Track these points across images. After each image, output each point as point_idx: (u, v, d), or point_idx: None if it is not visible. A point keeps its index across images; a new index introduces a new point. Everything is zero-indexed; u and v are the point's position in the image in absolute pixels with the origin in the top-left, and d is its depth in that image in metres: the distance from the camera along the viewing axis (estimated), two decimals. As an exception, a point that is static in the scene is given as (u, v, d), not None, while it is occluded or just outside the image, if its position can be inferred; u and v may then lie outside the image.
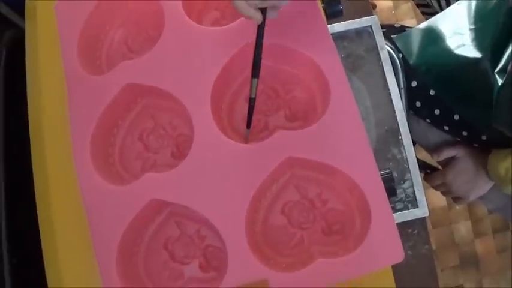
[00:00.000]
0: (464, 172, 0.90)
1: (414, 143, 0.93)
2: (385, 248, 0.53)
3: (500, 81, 0.74)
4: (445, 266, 1.50)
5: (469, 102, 0.82)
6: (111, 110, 0.61)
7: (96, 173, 0.58)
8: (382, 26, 0.82)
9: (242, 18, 0.60)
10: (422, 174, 0.98)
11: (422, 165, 0.98)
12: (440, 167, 0.96)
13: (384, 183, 0.56)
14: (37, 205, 0.61)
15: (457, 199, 0.95)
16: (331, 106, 0.55)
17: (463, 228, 1.52)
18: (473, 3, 0.83)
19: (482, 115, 0.80)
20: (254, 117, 0.61)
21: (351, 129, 0.55)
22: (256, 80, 0.56)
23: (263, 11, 0.53)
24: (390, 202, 0.69)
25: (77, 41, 0.64)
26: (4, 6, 0.80)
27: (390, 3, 1.64)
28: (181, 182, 0.56)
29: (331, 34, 0.72)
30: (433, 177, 0.96)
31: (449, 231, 1.50)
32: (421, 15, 1.10)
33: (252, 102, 0.57)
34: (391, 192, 0.66)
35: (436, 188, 0.97)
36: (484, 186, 0.89)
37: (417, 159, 0.75)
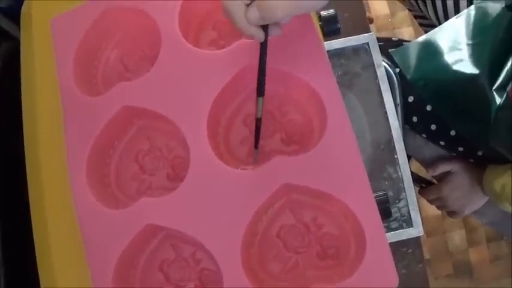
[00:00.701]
0: (460, 187, 0.90)
1: (409, 157, 0.94)
2: (379, 274, 0.53)
3: (498, 100, 0.74)
4: (438, 275, 1.50)
5: (466, 118, 0.82)
6: (107, 132, 0.61)
7: (92, 194, 0.58)
8: (379, 40, 0.82)
9: (239, 41, 0.59)
10: (418, 188, 0.99)
11: (417, 179, 0.98)
12: (435, 181, 0.97)
13: (378, 205, 0.56)
14: (33, 226, 0.61)
15: (451, 213, 0.96)
16: (328, 133, 0.55)
17: (457, 237, 1.53)
18: (472, 18, 0.83)
19: (478, 131, 0.80)
20: (251, 140, 0.61)
21: (348, 156, 0.55)
22: (261, 99, 0.55)
23: (265, 28, 0.51)
24: (385, 222, 0.70)
25: (72, 59, 0.63)
26: (3, 18, 0.79)
27: (387, 11, 1.64)
28: (177, 207, 0.56)
29: (327, 51, 0.73)
30: (428, 192, 0.96)
31: (443, 240, 1.51)
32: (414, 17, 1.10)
33: (258, 122, 0.56)
34: (385, 213, 0.66)
35: (431, 202, 0.98)
36: (479, 201, 0.90)
37: (412, 173, 0.76)
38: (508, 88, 0.72)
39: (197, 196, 0.56)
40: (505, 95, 0.73)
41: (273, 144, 0.62)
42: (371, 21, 1.34)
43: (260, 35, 0.51)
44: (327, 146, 0.55)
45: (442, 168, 0.91)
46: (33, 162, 0.63)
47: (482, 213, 0.94)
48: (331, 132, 0.55)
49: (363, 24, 0.84)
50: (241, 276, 0.54)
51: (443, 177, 0.93)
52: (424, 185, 0.98)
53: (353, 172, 0.55)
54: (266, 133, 0.62)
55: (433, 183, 0.97)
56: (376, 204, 0.54)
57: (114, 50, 0.67)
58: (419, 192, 0.98)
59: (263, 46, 0.53)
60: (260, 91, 0.55)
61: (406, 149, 0.75)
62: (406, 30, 1.62)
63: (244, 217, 0.55)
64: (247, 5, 0.49)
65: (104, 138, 0.61)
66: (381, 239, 0.54)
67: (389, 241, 0.69)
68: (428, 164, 0.95)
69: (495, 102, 0.75)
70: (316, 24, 0.66)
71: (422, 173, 1.02)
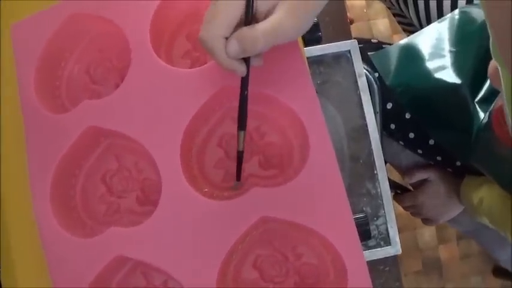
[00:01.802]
0: (436, 196, 0.89)
1: (385, 163, 0.92)
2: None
3: (481, 114, 0.72)
4: (408, 271, 1.51)
5: (445, 127, 0.80)
6: (72, 152, 0.56)
7: (57, 220, 0.55)
8: (359, 42, 0.79)
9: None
10: (392, 194, 0.97)
11: (393, 185, 0.96)
12: (410, 187, 0.95)
13: (358, 227, 0.54)
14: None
15: (426, 221, 0.95)
16: (310, 163, 0.52)
17: (427, 234, 1.54)
18: (456, 23, 0.80)
19: (458, 141, 0.78)
20: (227, 163, 0.58)
21: (330, 188, 0.52)
22: (243, 132, 0.52)
23: (246, 60, 0.48)
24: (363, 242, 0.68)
25: (34, 69, 0.59)
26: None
27: (363, 2, 1.61)
28: (149, 239, 0.52)
29: (307, 58, 0.69)
30: (403, 198, 0.95)
31: (413, 236, 1.51)
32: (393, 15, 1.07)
33: (240, 155, 0.53)
34: (365, 235, 0.64)
35: (405, 209, 0.97)
36: (455, 210, 0.89)
37: (388, 179, 0.73)
38: (491, 108, 0.70)
39: (169, 229, 0.52)
40: (487, 114, 0.70)
41: (250, 168, 0.58)
42: (351, 21, 1.31)
43: (242, 68, 0.48)
44: (308, 178, 0.52)
45: (419, 176, 0.90)
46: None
47: (457, 221, 0.93)
48: (313, 163, 0.52)
49: (344, 28, 0.80)
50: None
51: (419, 185, 0.91)
52: (399, 191, 0.97)
53: (336, 206, 0.52)
54: (244, 156, 0.58)
55: (409, 190, 0.96)
56: (359, 240, 0.51)
57: (78, 59, 0.62)
58: (393, 198, 0.96)
59: (244, 79, 0.50)
60: (241, 125, 0.52)
61: (383, 154, 0.73)
62: (381, 22, 1.59)
63: (219, 251, 0.52)
64: (227, 38, 0.46)
65: (69, 159, 0.57)
66: (363, 276, 0.51)
67: (367, 259, 0.67)
68: (404, 170, 0.93)
69: (477, 115, 0.72)
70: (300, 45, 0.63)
71: (397, 178, 1.01)
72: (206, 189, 0.56)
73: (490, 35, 0.40)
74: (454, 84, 0.75)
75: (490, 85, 0.73)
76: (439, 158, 0.87)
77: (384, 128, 0.88)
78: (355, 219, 0.55)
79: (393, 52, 0.83)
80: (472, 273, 1.53)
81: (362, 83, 0.74)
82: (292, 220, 0.52)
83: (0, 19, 0.62)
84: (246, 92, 0.50)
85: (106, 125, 0.55)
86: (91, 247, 0.53)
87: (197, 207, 0.52)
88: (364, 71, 0.76)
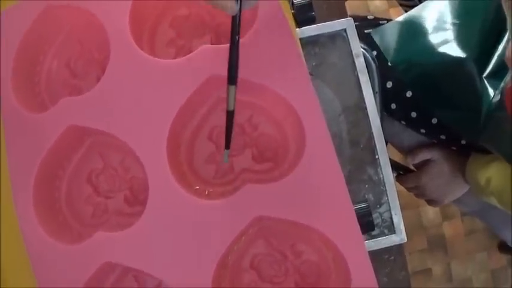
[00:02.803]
0: (439, 176, 0.86)
1: (386, 143, 0.88)
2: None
3: (490, 90, 0.68)
4: (413, 250, 1.49)
5: (451, 105, 0.76)
6: (54, 151, 0.53)
7: (41, 226, 0.52)
8: (354, 19, 0.75)
9: (201, 48, 0.52)
10: (394, 175, 0.94)
11: (395, 166, 0.93)
12: (413, 167, 0.92)
13: (360, 218, 0.51)
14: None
15: (430, 202, 0.91)
16: (306, 155, 0.49)
17: (431, 211, 1.51)
18: None
19: (465, 120, 0.74)
20: (218, 158, 0.55)
21: (329, 181, 0.49)
22: (233, 87, 0.47)
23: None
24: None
25: (11, 66, 0.55)
26: None
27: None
28: (138, 244, 0.50)
29: (300, 39, 0.65)
30: (406, 179, 0.91)
31: (417, 214, 1.48)
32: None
33: (230, 116, 0.48)
34: (368, 227, 0.61)
35: (408, 190, 0.93)
36: (460, 190, 0.86)
37: (389, 160, 0.70)
38: (503, 85, 0.66)
39: (159, 232, 0.49)
40: (498, 92, 0.66)
41: (243, 162, 0.55)
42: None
43: (233, 6, 0.44)
44: (305, 172, 0.49)
45: (422, 156, 0.86)
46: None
47: (462, 202, 0.90)
48: (310, 156, 0.49)
49: (338, 6, 0.76)
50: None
51: (422, 165, 0.87)
52: (401, 172, 0.93)
53: (334, 199, 0.49)
54: (235, 150, 0.55)
55: (411, 170, 0.92)
56: (362, 237, 0.48)
57: (57, 53, 0.58)
58: (396, 179, 0.93)
59: (234, 20, 0.46)
60: (232, 78, 0.47)
61: (383, 135, 0.69)
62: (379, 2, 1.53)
63: (213, 254, 0.49)
64: None
65: (51, 160, 0.54)
66: (367, 275, 0.48)
67: (370, 249, 0.65)
68: (406, 151, 0.89)
69: (486, 91, 0.68)
70: (289, 14, 0.59)
71: (398, 158, 0.97)
72: (197, 187, 0.53)
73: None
74: (458, 58, 0.71)
75: (498, 59, 0.69)
76: (443, 137, 0.83)
77: (384, 108, 0.85)
78: (357, 210, 0.52)
79: (394, 28, 0.78)
80: (477, 249, 1.51)
81: (360, 63, 0.69)
82: (289, 218, 0.49)
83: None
84: (237, 37, 0.46)
85: (87, 123, 0.52)
86: (78, 254, 0.50)
87: (188, 208, 0.49)
88: (361, 50, 0.72)
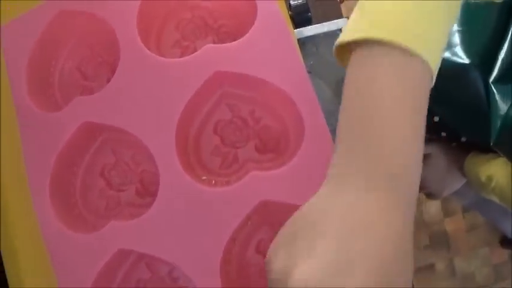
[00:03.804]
0: (437, 169, 0.89)
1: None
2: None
3: (497, 95, 0.70)
4: (415, 246, 1.51)
5: (453, 107, 0.79)
6: (68, 149, 0.56)
7: (58, 219, 0.55)
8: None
9: (205, 46, 0.55)
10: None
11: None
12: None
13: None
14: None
15: (429, 195, 0.94)
16: (306, 143, 0.52)
17: (433, 208, 1.53)
18: (461, 2, 0.78)
19: (465, 121, 0.77)
20: (223, 150, 0.58)
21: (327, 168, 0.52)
22: None
23: None
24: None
25: (25, 69, 0.59)
26: None
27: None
28: (150, 230, 0.52)
29: (298, 39, 0.69)
30: (405, 173, 0.94)
31: (419, 211, 1.51)
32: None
33: None
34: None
35: (408, 183, 0.96)
36: (457, 183, 0.88)
37: None
38: None
39: (169, 219, 0.52)
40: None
41: (247, 153, 0.58)
42: (341, 0, 1.30)
43: None
44: (304, 158, 0.52)
45: (419, 150, 0.89)
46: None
47: (460, 194, 0.92)
48: (308, 144, 0.52)
49: (334, 8, 0.79)
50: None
51: (421, 159, 0.90)
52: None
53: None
54: (239, 142, 0.58)
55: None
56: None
57: (69, 57, 0.62)
58: (396, 174, 0.96)
59: None
60: None
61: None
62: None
63: (221, 238, 0.51)
64: None
65: (66, 156, 0.57)
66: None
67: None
68: (404, 146, 0.92)
69: (494, 96, 0.70)
70: (286, 15, 0.62)
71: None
72: (204, 177, 0.56)
73: None
74: (462, 64, 0.74)
75: (503, 64, 0.71)
76: (443, 134, 0.86)
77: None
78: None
79: None
80: (479, 244, 1.53)
81: (355, 61, 0.73)
82: (292, 202, 0.52)
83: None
84: None
85: (100, 120, 0.55)
86: (93, 242, 0.53)
87: (196, 196, 0.52)
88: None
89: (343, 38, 0.38)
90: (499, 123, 0.69)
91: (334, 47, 0.40)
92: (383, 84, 0.35)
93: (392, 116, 0.35)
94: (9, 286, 0.56)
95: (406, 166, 0.35)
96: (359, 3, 0.39)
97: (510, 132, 0.69)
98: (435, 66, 0.37)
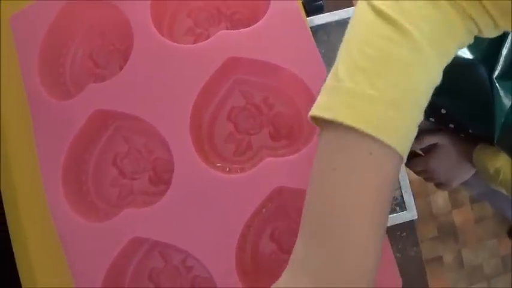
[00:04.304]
0: (447, 159, 0.88)
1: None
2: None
3: (501, 91, 0.70)
4: (424, 238, 1.51)
5: (458, 103, 0.78)
6: (81, 137, 0.56)
7: (71, 207, 0.54)
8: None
9: (218, 33, 0.55)
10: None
11: (404, 152, 0.95)
12: (421, 153, 0.94)
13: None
14: (12, 244, 0.57)
15: (439, 185, 0.93)
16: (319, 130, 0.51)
17: (441, 200, 1.53)
18: None
19: (471, 115, 0.76)
20: (237, 137, 0.58)
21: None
22: None
23: None
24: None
25: (37, 58, 0.58)
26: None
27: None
28: (164, 218, 0.52)
29: (310, 27, 0.68)
30: (414, 163, 0.94)
31: (427, 203, 1.51)
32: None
33: None
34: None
35: (417, 173, 0.96)
36: (467, 173, 0.88)
37: None
38: None
39: (184, 206, 0.52)
40: None
41: (261, 140, 0.58)
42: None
43: None
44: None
45: (428, 140, 0.88)
46: (5, 174, 0.58)
47: (470, 184, 0.92)
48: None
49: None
50: (236, 283, 0.51)
51: (430, 150, 0.90)
52: (410, 157, 0.96)
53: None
54: (253, 129, 0.58)
55: (419, 155, 0.95)
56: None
57: (80, 45, 0.61)
58: (405, 164, 0.95)
59: None
60: None
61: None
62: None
63: (236, 225, 0.51)
64: None
65: (79, 144, 0.56)
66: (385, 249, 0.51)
67: (383, 226, 0.67)
68: (413, 136, 0.92)
69: (498, 92, 0.70)
70: (299, 3, 0.62)
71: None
72: (219, 164, 0.56)
73: None
74: (466, 60, 0.73)
75: (506, 60, 0.71)
76: (451, 126, 0.86)
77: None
78: None
79: None
80: (487, 236, 1.53)
81: (367, 49, 0.73)
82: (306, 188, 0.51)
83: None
84: None
85: (113, 107, 0.55)
86: (106, 231, 0.53)
87: (211, 182, 0.52)
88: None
89: (313, 111, 0.37)
90: (502, 120, 0.69)
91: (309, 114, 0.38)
92: (348, 175, 0.34)
93: (354, 216, 0.34)
94: (20, 276, 0.56)
95: (361, 276, 0.34)
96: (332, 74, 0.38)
97: (511, 132, 0.69)
98: (404, 154, 0.36)
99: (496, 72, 0.70)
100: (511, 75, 0.70)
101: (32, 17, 0.59)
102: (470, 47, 0.73)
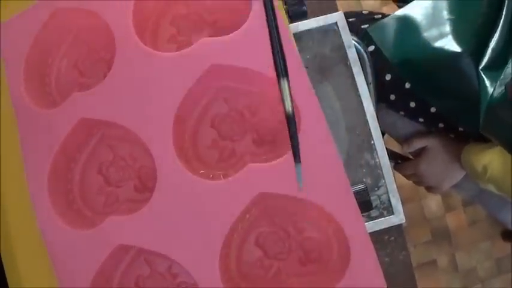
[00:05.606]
0: (436, 162, 0.89)
1: (383, 134, 0.92)
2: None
3: (487, 81, 0.71)
4: (417, 242, 1.51)
5: (447, 97, 0.79)
6: (66, 145, 0.56)
7: (57, 214, 0.55)
8: (349, 15, 0.78)
9: (201, 40, 0.55)
10: (393, 164, 0.97)
11: (393, 156, 0.96)
12: (411, 157, 0.95)
13: (358, 198, 0.54)
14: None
15: (430, 188, 0.94)
16: (302, 134, 0.52)
17: (433, 203, 1.53)
18: None
19: (460, 109, 0.77)
20: (220, 144, 0.58)
21: (325, 158, 0.52)
22: (286, 80, 0.42)
23: None
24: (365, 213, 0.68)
25: (22, 69, 0.59)
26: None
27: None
28: (148, 225, 0.53)
29: (293, 34, 0.69)
30: (404, 167, 0.95)
31: (420, 207, 1.51)
32: None
33: (290, 120, 0.42)
34: (366, 207, 0.64)
35: (407, 177, 0.96)
36: (457, 175, 0.89)
37: (387, 149, 0.73)
38: (507, 81, 0.68)
39: (167, 213, 0.52)
40: (500, 85, 0.69)
41: (244, 146, 0.58)
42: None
43: None
44: (302, 149, 0.52)
45: (417, 144, 0.89)
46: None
47: (460, 187, 0.92)
48: (305, 134, 0.52)
49: (329, 6, 0.80)
50: (220, 286, 0.51)
51: (419, 153, 0.91)
52: (399, 161, 0.97)
53: (332, 175, 0.52)
54: (236, 135, 0.58)
55: (409, 159, 0.96)
56: (358, 208, 0.51)
57: (66, 55, 0.62)
58: (394, 168, 0.96)
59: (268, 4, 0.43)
60: (281, 71, 0.43)
61: (380, 125, 0.72)
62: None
63: (220, 231, 0.52)
64: None
65: (64, 153, 0.57)
66: (366, 247, 0.51)
67: (370, 230, 0.68)
68: (402, 140, 0.92)
69: (484, 82, 0.71)
70: (281, 9, 0.62)
71: (396, 148, 1.01)
72: (202, 171, 0.56)
73: None
74: (455, 53, 0.74)
75: (493, 52, 0.72)
76: (441, 125, 0.87)
77: (383, 100, 0.88)
78: (354, 190, 0.55)
79: (390, 24, 0.81)
80: (481, 238, 1.53)
81: (352, 54, 0.73)
82: (290, 194, 0.52)
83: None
84: (274, 23, 0.43)
85: (97, 116, 0.55)
86: (92, 239, 0.53)
87: (194, 190, 0.52)
88: (354, 42, 0.76)
89: None
90: (486, 105, 0.70)
91: None
92: None
93: None
94: (9, 284, 0.56)
95: None
96: None
97: (494, 113, 0.70)
98: None
99: (483, 63, 0.71)
100: (496, 66, 0.70)
101: (18, 27, 0.59)
102: (458, 40, 0.74)
